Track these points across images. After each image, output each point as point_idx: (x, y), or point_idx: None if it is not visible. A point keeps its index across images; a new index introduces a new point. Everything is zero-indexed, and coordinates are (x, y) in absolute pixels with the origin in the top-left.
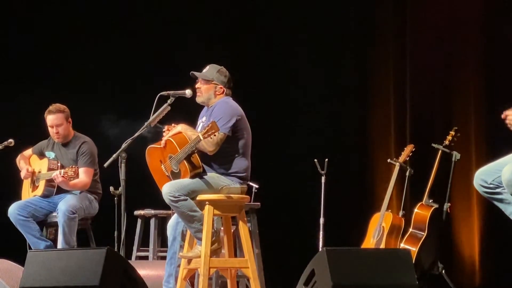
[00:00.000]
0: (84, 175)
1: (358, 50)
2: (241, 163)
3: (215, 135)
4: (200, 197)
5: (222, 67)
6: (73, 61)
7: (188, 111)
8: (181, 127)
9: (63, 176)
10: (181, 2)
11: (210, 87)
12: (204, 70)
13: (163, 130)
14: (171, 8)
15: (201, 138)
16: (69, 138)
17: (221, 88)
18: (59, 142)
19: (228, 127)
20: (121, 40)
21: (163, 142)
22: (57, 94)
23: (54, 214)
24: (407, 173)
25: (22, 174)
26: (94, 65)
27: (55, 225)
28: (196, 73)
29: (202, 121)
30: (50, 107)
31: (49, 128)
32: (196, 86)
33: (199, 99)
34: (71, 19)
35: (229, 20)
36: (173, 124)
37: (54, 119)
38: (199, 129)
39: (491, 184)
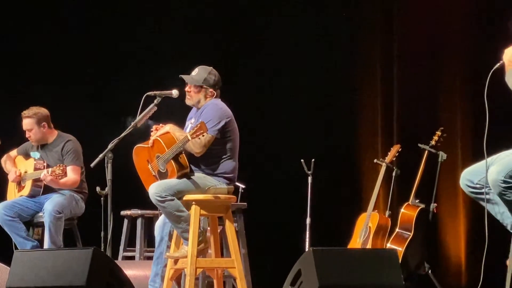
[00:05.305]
0: (72, 173)
1: (346, 51)
2: (228, 164)
3: (203, 136)
4: (187, 197)
5: (212, 68)
6: (53, 61)
7: (175, 111)
8: (169, 127)
9: (51, 175)
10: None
11: (200, 91)
12: (193, 73)
13: (151, 129)
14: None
15: (189, 138)
16: (49, 139)
17: (211, 91)
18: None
19: (216, 130)
20: (108, 38)
21: (150, 141)
22: (39, 93)
23: (41, 214)
24: (394, 173)
25: (11, 177)
26: (75, 64)
27: (41, 225)
28: (185, 78)
29: (190, 122)
30: (24, 112)
31: None
32: (186, 89)
33: (188, 102)
34: (54, 18)
35: (217, 20)
36: (161, 124)
37: (24, 124)
38: (187, 130)
39: (477, 184)
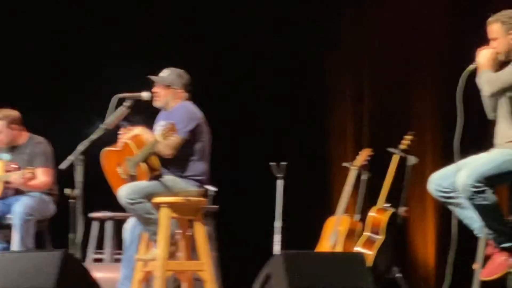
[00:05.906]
0: (43, 175)
1: (316, 54)
2: (198, 167)
3: (173, 136)
4: (157, 199)
5: (182, 70)
6: (23, 62)
7: (146, 114)
8: (139, 130)
9: (21, 177)
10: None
11: (169, 92)
12: (163, 74)
13: (120, 132)
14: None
15: (159, 140)
16: (20, 142)
17: (180, 92)
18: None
19: (186, 131)
20: (79, 39)
21: (120, 144)
22: (8, 96)
23: (9, 216)
24: (364, 177)
25: None
26: (46, 64)
27: (10, 227)
28: (154, 78)
29: (160, 125)
30: None
31: None
32: (153, 90)
33: (157, 104)
34: (24, 16)
35: (191, 23)
36: (130, 127)
37: None
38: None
39: (446, 188)
